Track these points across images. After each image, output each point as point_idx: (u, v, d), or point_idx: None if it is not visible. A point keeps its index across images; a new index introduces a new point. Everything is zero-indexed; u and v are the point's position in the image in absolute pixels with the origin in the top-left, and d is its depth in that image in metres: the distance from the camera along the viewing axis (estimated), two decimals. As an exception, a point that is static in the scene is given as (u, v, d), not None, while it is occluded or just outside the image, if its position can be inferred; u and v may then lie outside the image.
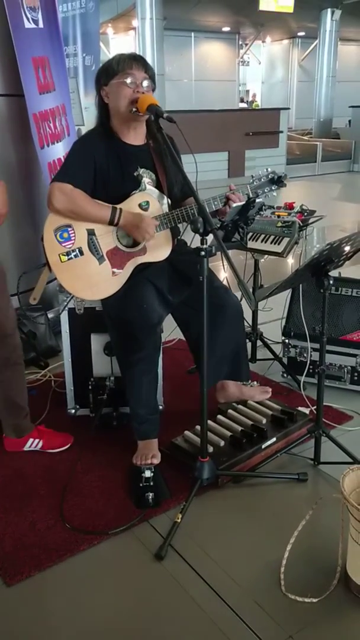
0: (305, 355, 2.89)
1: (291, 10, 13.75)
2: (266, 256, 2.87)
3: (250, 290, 2.81)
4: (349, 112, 13.70)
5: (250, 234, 2.82)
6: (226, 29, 18.19)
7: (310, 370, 2.81)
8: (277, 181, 2.23)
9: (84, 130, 3.30)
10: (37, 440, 2.38)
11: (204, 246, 1.84)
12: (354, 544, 1.65)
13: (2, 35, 2.93)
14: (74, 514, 2.02)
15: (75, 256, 2.17)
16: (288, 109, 13.48)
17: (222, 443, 2.29)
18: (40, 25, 3.21)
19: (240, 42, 19.41)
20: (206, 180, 2.36)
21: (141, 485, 2.08)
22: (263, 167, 2.25)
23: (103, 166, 2.18)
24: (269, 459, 2.27)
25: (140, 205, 2.19)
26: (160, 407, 2.58)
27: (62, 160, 2.32)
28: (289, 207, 2.94)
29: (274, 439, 2.34)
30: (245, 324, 2.83)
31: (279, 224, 2.78)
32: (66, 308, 2.48)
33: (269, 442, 2.32)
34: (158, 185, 2.27)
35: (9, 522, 1.99)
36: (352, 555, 1.69)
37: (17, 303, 2.50)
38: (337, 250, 1.99)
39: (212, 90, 18.58)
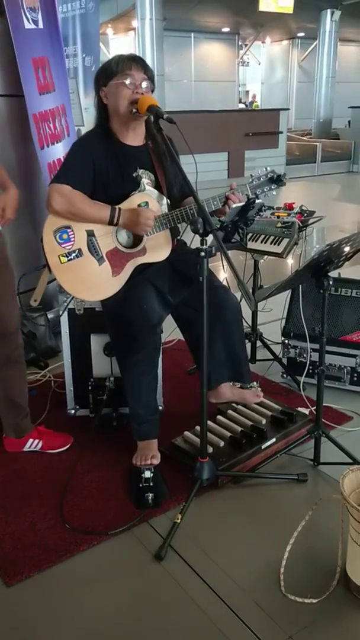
0: (304, 355, 2.89)
1: (291, 11, 13.75)
2: (266, 257, 2.87)
3: (250, 290, 2.81)
4: (348, 112, 13.71)
5: (250, 234, 2.82)
6: (226, 29, 18.20)
7: (310, 371, 2.81)
8: (277, 180, 2.23)
9: (83, 130, 3.30)
10: (36, 441, 2.38)
11: (204, 247, 1.84)
12: (353, 544, 1.65)
13: (2, 35, 2.94)
14: (74, 515, 2.02)
15: (75, 257, 2.17)
16: (288, 109, 13.50)
17: (222, 443, 2.29)
18: (40, 25, 3.21)
19: (240, 43, 19.41)
20: (206, 181, 2.36)
21: (141, 485, 2.08)
22: (263, 167, 2.25)
23: (102, 167, 2.18)
24: (269, 459, 2.27)
25: (139, 206, 2.19)
26: (160, 408, 2.58)
27: (62, 160, 2.33)
28: (289, 207, 2.94)
29: (274, 440, 2.34)
30: (245, 324, 2.83)
31: (279, 225, 2.78)
32: (66, 309, 2.48)
33: (268, 443, 2.32)
34: (157, 186, 2.27)
35: (9, 523, 1.99)
36: (351, 556, 1.69)
37: (18, 303, 2.50)
38: (337, 250, 1.99)
39: (212, 91, 18.58)
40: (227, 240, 2.24)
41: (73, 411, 2.63)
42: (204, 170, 2.17)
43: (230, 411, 2.54)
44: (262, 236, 2.82)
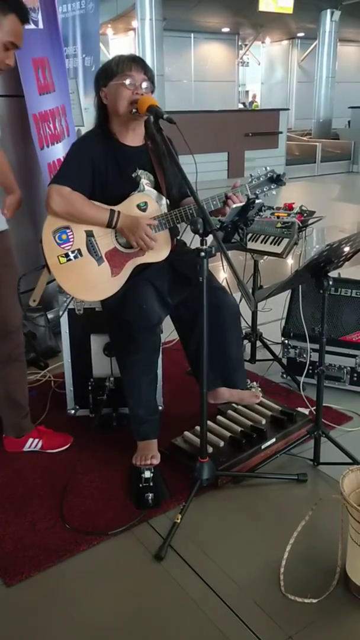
0: (304, 355, 2.90)
1: (291, 11, 13.74)
2: (266, 257, 2.87)
3: (250, 290, 2.81)
4: (348, 112, 13.71)
5: (250, 234, 2.83)
6: (226, 29, 18.20)
7: (310, 371, 2.81)
8: (277, 180, 2.22)
9: (83, 130, 3.30)
10: (36, 440, 2.38)
11: (204, 247, 1.84)
12: (353, 544, 1.65)
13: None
14: (74, 515, 2.02)
15: (74, 258, 2.17)
16: (287, 109, 13.48)
17: (222, 444, 2.29)
18: (40, 26, 3.22)
19: (239, 43, 19.41)
20: (206, 181, 2.36)
21: (141, 485, 2.08)
22: (262, 167, 2.25)
23: (101, 168, 2.18)
24: (269, 459, 2.27)
25: (138, 206, 2.19)
26: (160, 408, 2.58)
27: (62, 161, 2.34)
28: (289, 207, 2.94)
29: (274, 440, 2.34)
30: (245, 324, 2.83)
31: (279, 225, 2.78)
32: (66, 310, 2.48)
33: (268, 443, 2.32)
34: (157, 186, 2.27)
35: (9, 523, 2.00)
36: (351, 556, 1.69)
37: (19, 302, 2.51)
38: (337, 251, 1.99)
39: (212, 91, 18.59)
40: (227, 241, 2.24)
41: (73, 411, 2.63)
42: (204, 170, 2.17)
43: (230, 411, 2.54)
44: (262, 236, 2.82)
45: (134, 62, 2.13)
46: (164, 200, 2.26)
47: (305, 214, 2.85)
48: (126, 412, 2.41)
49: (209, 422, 2.31)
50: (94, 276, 2.19)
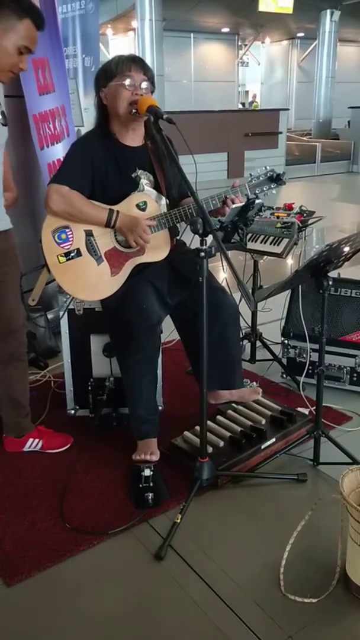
0: (304, 355, 2.90)
1: (290, 11, 13.75)
2: (265, 257, 2.87)
3: (250, 291, 2.82)
4: (348, 112, 13.71)
5: (250, 234, 2.83)
6: (225, 29, 18.20)
7: (310, 371, 2.81)
8: (276, 179, 2.23)
9: (83, 131, 3.30)
10: (37, 440, 2.38)
11: (204, 247, 1.84)
12: (353, 544, 1.65)
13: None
14: (74, 514, 2.02)
15: (74, 257, 2.18)
16: (287, 109, 13.49)
17: (222, 443, 2.29)
18: (40, 26, 3.21)
19: (239, 43, 19.40)
20: (205, 181, 2.36)
21: (141, 485, 2.08)
22: (262, 167, 2.25)
23: (101, 168, 2.18)
24: (269, 459, 2.27)
25: (137, 206, 2.19)
26: (160, 408, 2.58)
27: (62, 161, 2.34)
28: (288, 207, 2.95)
29: (273, 440, 2.35)
30: (245, 324, 2.83)
31: (279, 225, 2.79)
32: (66, 311, 2.49)
33: (268, 443, 2.32)
34: (156, 187, 2.27)
35: (9, 522, 2.00)
36: (351, 556, 1.69)
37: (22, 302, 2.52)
38: (336, 251, 1.99)
39: (212, 91, 18.58)
40: (226, 241, 2.24)
41: (73, 411, 2.63)
42: (204, 170, 2.17)
43: (229, 411, 2.54)
44: (262, 236, 2.82)
45: (134, 62, 2.13)
46: (164, 200, 2.26)
47: (305, 214, 2.85)
48: (126, 412, 2.42)
49: (208, 422, 2.31)
50: (93, 276, 2.19)
